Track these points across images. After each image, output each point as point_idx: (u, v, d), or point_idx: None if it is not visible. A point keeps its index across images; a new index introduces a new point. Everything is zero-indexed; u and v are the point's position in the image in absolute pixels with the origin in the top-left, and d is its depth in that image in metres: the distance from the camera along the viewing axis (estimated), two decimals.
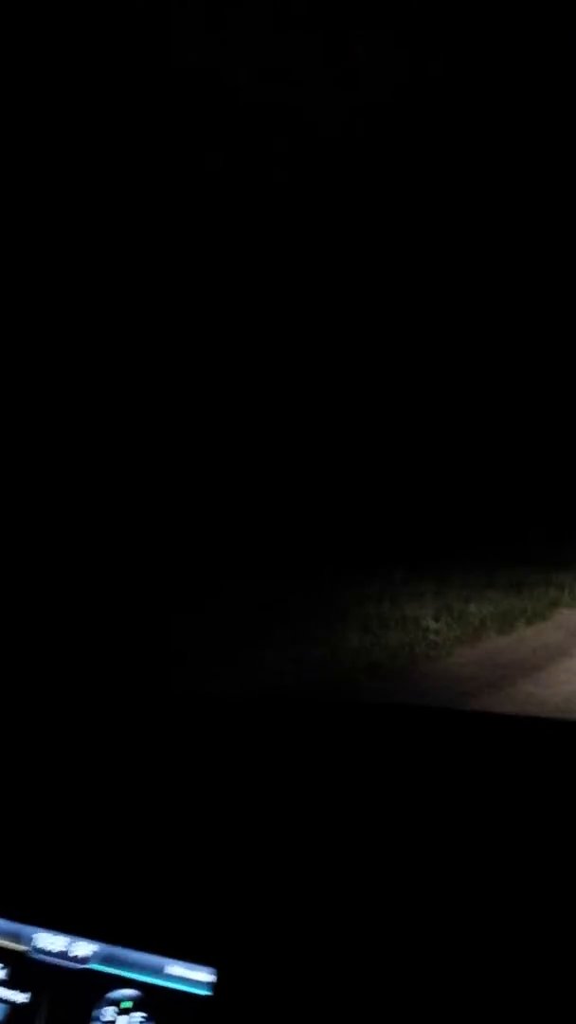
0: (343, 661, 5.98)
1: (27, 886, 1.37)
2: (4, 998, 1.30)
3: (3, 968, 1.32)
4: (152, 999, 1.24)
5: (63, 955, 1.30)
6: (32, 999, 1.29)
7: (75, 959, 1.30)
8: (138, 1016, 1.23)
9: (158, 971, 1.26)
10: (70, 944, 1.31)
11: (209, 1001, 1.22)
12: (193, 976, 1.24)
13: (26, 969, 1.31)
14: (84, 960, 1.29)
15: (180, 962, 1.25)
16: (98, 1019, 1.24)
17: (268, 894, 1.29)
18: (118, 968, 1.27)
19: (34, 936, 1.33)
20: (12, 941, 1.34)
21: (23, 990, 1.30)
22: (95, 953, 1.29)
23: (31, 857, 1.40)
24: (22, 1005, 1.29)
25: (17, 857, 1.40)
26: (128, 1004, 1.25)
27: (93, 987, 1.27)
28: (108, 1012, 1.25)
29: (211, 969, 1.23)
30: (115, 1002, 1.25)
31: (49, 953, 1.31)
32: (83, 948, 1.30)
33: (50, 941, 1.32)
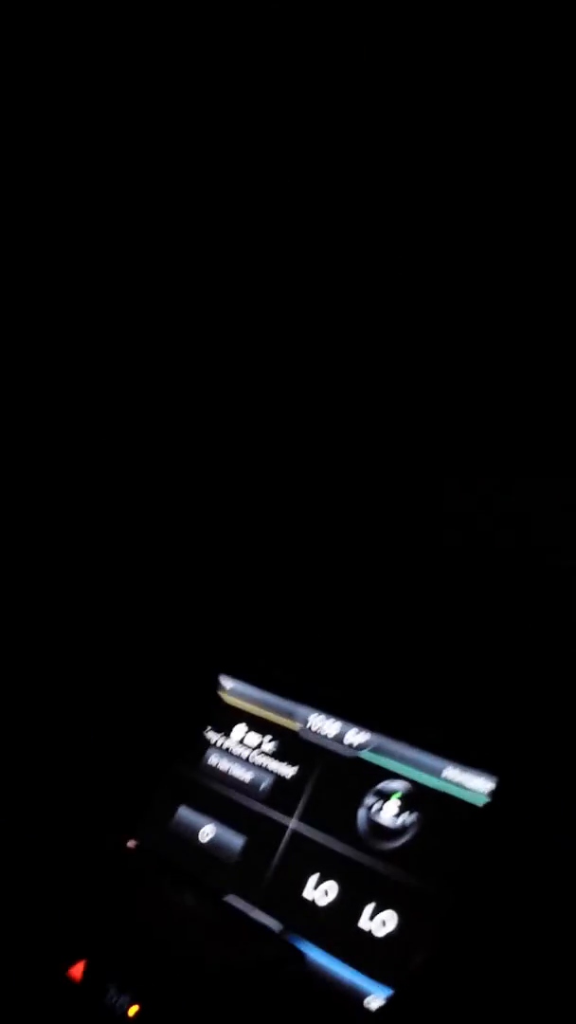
0: None
1: (306, 667, 1.33)
2: (272, 770, 1.27)
3: (274, 742, 1.29)
4: (424, 797, 1.16)
5: (336, 740, 1.25)
6: (299, 774, 1.25)
7: (348, 746, 1.24)
8: (407, 812, 1.15)
9: (433, 771, 1.17)
10: (343, 730, 1.25)
11: (484, 810, 1.11)
12: (470, 783, 1.14)
13: (297, 746, 1.27)
14: (356, 748, 1.23)
15: (459, 765, 1.15)
16: (365, 806, 1.18)
17: (556, 705, 1.16)
18: (391, 761, 1.20)
19: (309, 717, 1.29)
20: (286, 718, 1.31)
21: (291, 764, 1.26)
22: (368, 742, 1.22)
23: (315, 639, 1.35)
24: (289, 780, 1.25)
25: (301, 637, 1.36)
26: (398, 795, 1.17)
27: (363, 775, 1.21)
28: (376, 802, 1.18)
29: (492, 777, 1.12)
30: (384, 793, 1.18)
31: (322, 736, 1.26)
32: (357, 737, 1.24)
33: (323, 724, 1.27)
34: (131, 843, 1.31)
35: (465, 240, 1.19)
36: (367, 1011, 1.07)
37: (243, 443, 1.55)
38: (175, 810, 1.33)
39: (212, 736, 1.36)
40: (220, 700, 1.39)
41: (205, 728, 1.38)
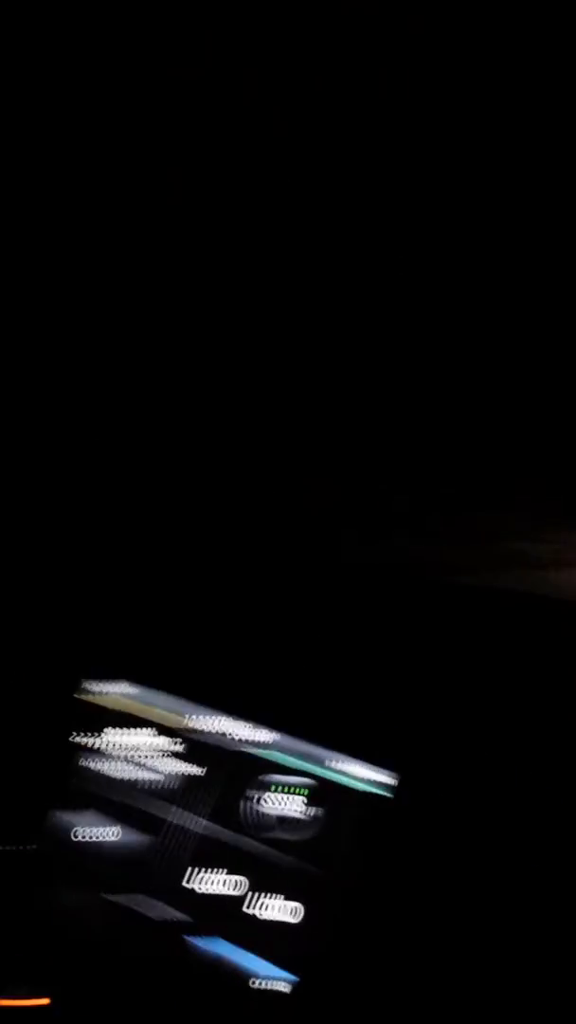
0: None
1: (205, 667, 1.37)
2: (181, 770, 1.31)
3: (181, 743, 1.33)
4: (327, 792, 1.22)
5: (238, 739, 1.30)
6: (208, 774, 1.30)
7: (254, 743, 1.29)
8: (313, 806, 1.22)
9: (335, 768, 1.24)
10: (250, 730, 1.30)
11: (384, 801, 1.19)
12: (374, 777, 1.21)
13: (198, 745, 1.32)
14: (260, 745, 1.29)
15: (361, 762, 1.23)
16: (269, 802, 1.24)
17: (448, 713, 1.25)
18: (296, 758, 1.26)
19: (213, 719, 1.33)
20: (178, 716, 1.35)
21: (200, 765, 1.31)
22: (272, 740, 1.28)
23: (214, 649, 1.40)
24: (196, 778, 1.29)
25: (209, 648, 1.40)
26: (303, 792, 1.23)
27: (264, 771, 1.26)
28: (276, 796, 1.24)
29: (392, 773, 1.20)
30: (285, 788, 1.24)
31: (222, 735, 1.31)
32: (262, 735, 1.29)
33: (229, 725, 1.32)
34: (29, 847, 1.32)
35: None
36: (263, 993, 1.11)
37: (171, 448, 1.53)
38: (72, 813, 1.34)
39: (112, 738, 1.39)
40: (110, 705, 1.42)
41: (100, 731, 1.40)
